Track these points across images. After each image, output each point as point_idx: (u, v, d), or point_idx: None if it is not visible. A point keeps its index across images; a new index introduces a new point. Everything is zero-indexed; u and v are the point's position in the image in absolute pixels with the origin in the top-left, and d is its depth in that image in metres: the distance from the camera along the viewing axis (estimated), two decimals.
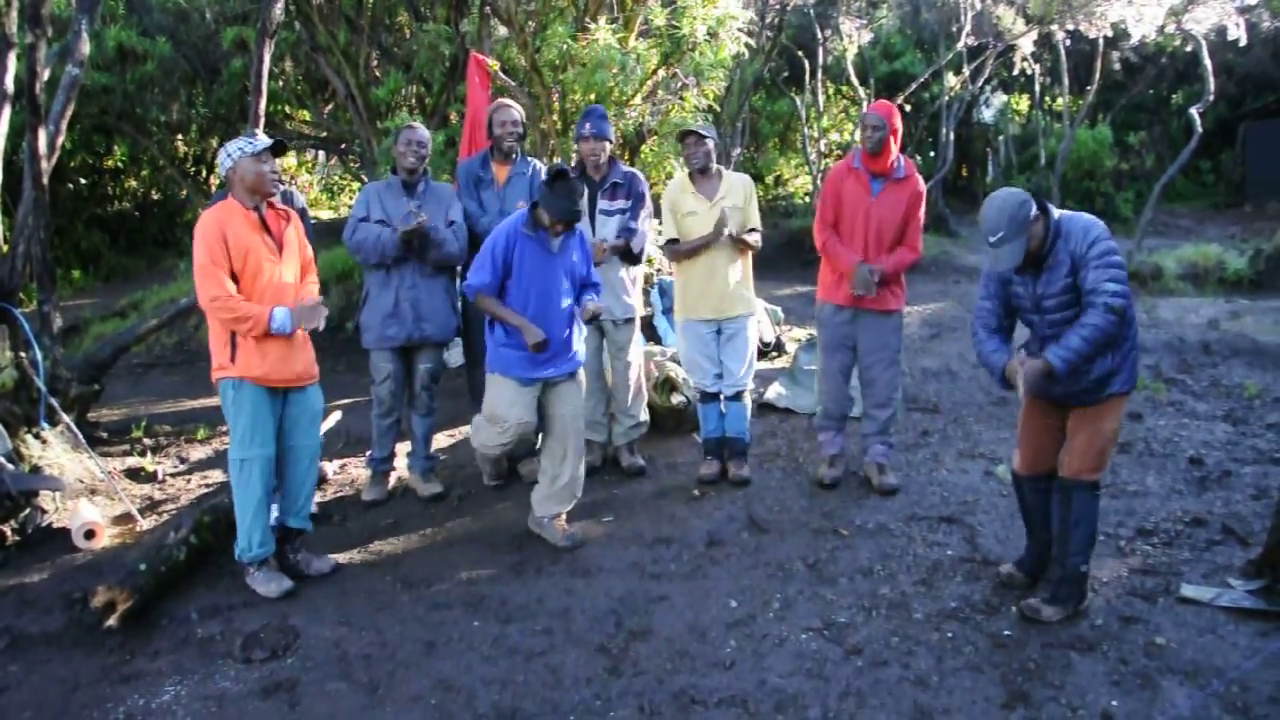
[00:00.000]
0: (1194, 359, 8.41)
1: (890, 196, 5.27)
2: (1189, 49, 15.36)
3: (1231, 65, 19.65)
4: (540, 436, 5.09)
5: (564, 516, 4.99)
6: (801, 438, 6.49)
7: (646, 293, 8.38)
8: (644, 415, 5.95)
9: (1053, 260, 3.76)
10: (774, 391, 7.28)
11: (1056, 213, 3.78)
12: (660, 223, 8.07)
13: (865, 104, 16.52)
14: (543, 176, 5.75)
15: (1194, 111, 12.98)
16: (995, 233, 3.68)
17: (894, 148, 5.26)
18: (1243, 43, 13.53)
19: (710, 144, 5.51)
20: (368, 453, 5.82)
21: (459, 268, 5.68)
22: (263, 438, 4.35)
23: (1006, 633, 3.89)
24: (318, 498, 5.68)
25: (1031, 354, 3.88)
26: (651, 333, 8.21)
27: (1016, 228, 3.65)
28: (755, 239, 5.55)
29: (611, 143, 5.64)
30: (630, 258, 5.69)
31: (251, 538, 4.40)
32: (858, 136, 5.45)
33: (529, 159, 5.86)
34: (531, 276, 4.72)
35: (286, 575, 4.53)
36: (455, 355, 8.79)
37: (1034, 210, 3.70)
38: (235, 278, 4.23)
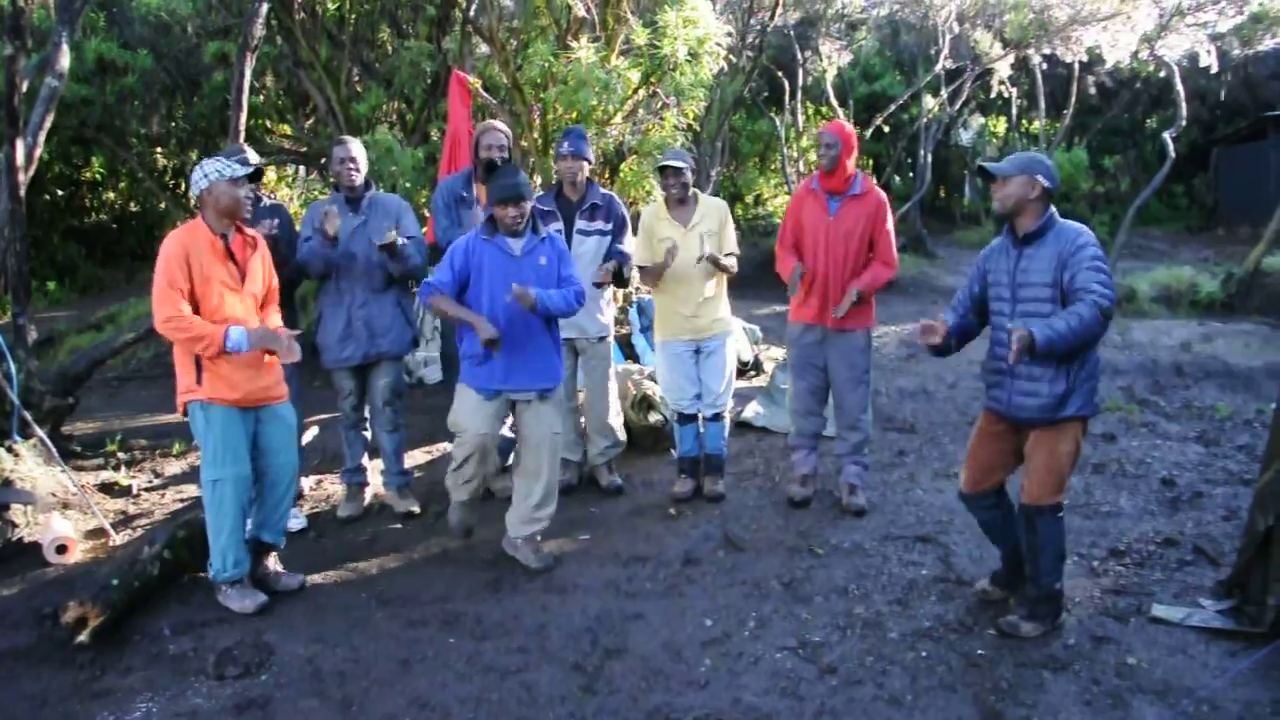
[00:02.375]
0: (1167, 380, 8.49)
1: (848, 213, 5.33)
2: (1162, 74, 15.57)
3: (1204, 91, 19.93)
4: (513, 455, 5.06)
5: (538, 536, 4.99)
6: (778, 456, 6.52)
7: (625, 311, 8.41)
8: (621, 434, 5.96)
9: (1036, 249, 3.88)
10: (751, 410, 7.31)
11: (1058, 215, 3.93)
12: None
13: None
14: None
15: (1167, 136, 13.16)
16: (1008, 158, 4.01)
17: (849, 165, 5.34)
18: (1214, 69, 13.76)
19: (688, 174, 5.54)
20: (343, 468, 5.80)
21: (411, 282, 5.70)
22: (234, 456, 4.31)
23: (980, 652, 3.91)
24: (301, 517, 5.67)
25: (1000, 344, 3.94)
26: (630, 351, 8.23)
27: (1021, 164, 3.91)
28: (730, 263, 5.56)
29: (590, 163, 5.66)
30: (619, 280, 5.76)
31: (226, 558, 4.37)
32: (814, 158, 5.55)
33: None
34: (493, 282, 4.63)
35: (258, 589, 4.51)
36: (433, 372, 8.80)
37: (1042, 175, 3.87)
38: (196, 304, 4.20)
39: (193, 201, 4.43)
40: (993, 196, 3.98)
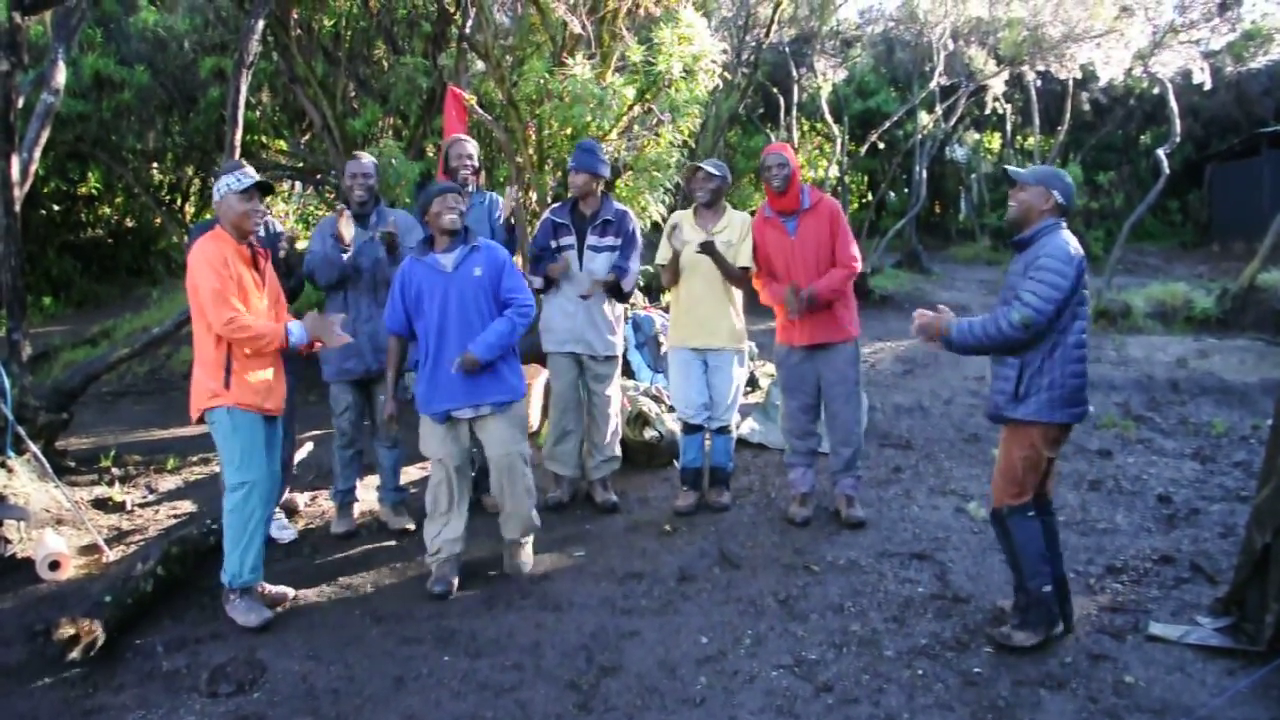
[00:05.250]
0: (1162, 397, 8.50)
1: (808, 227, 5.37)
2: (1156, 91, 15.64)
3: (1197, 108, 20.00)
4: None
5: (528, 548, 4.98)
6: (774, 473, 6.50)
7: None
8: (617, 450, 5.95)
9: (1022, 255, 3.96)
10: (747, 427, 7.29)
11: (1065, 232, 3.94)
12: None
13: (839, 141, 16.76)
14: (500, 208, 5.78)
15: (1161, 152, 13.20)
16: (1032, 168, 4.01)
17: (797, 181, 5.40)
18: (1207, 86, 13.80)
19: (718, 181, 5.56)
20: (334, 486, 5.78)
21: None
22: (260, 460, 4.38)
23: (977, 670, 3.90)
24: (293, 529, 5.65)
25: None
26: (625, 366, 8.22)
27: (1040, 175, 4.00)
28: (733, 269, 5.53)
29: (603, 177, 5.68)
30: (619, 295, 5.74)
31: (245, 562, 4.38)
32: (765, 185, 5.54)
33: (485, 192, 5.87)
34: (430, 305, 4.63)
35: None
36: None
37: (1058, 190, 3.93)
38: None
39: (193, 210, 4.51)
40: (1009, 200, 4.07)
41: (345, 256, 5.25)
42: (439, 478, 4.77)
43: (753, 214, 5.68)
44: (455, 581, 4.80)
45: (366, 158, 5.55)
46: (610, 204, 5.71)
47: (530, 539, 5.02)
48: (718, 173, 5.56)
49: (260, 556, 4.45)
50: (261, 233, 5.48)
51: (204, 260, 4.24)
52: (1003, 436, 4.05)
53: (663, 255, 5.66)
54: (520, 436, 4.83)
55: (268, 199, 5.55)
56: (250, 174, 4.39)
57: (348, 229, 5.24)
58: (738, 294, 5.66)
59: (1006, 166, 4.22)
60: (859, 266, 5.47)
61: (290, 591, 4.73)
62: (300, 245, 5.60)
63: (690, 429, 5.73)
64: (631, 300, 8.65)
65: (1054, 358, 3.87)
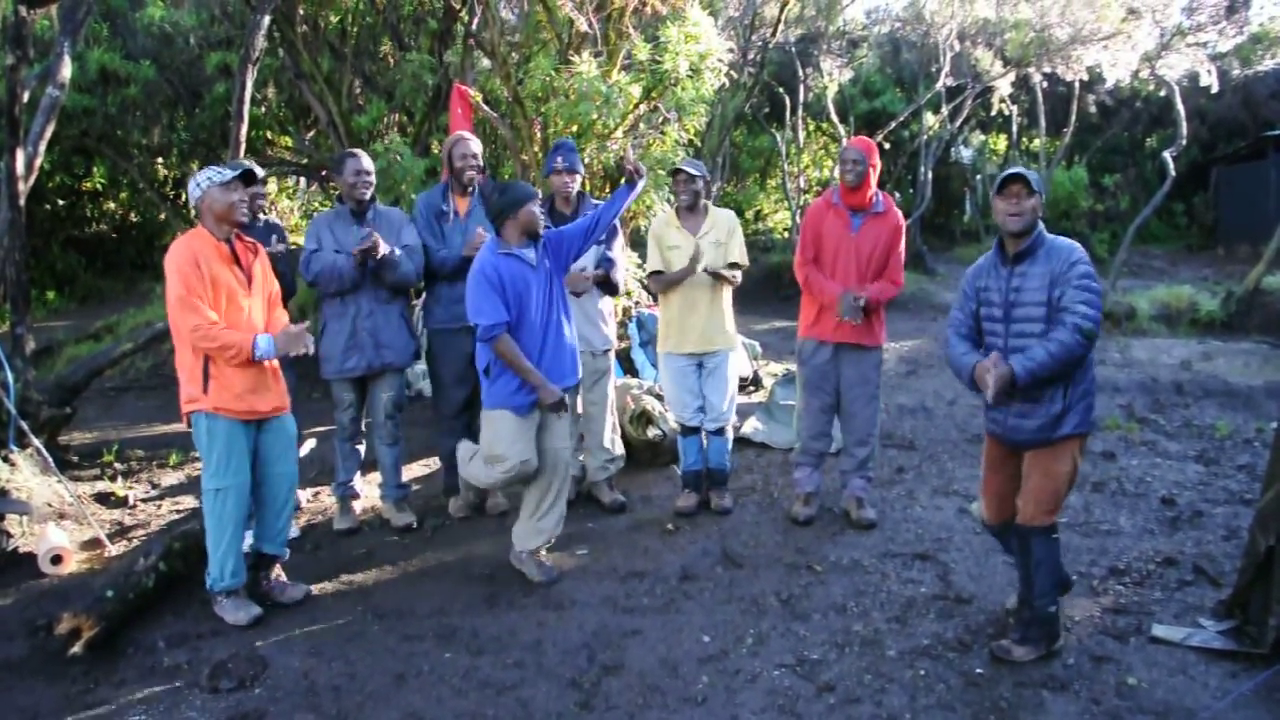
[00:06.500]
0: (1167, 399, 8.48)
1: (870, 231, 5.32)
2: (1163, 94, 15.62)
3: (1204, 110, 20.01)
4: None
5: (543, 550, 4.96)
6: (777, 472, 6.50)
7: (624, 325, 8.39)
8: (620, 450, 5.94)
9: (1028, 267, 3.86)
10: (750, 426, 7.28)
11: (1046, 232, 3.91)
12: (637, 255, 8.15)
13: (845, 141, 16.74)
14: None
15: (1167, 155, 13.19)
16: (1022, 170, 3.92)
17: (873, 182, 5.32)
18: (1214, 89, 13.78)
19: (700, 182, 5.54)
20: (335, 481, 5.77)
21: (412, 291, 5.69)
22: (236, 467, 4.31)
23: (979, 671, 3.89)
24: (295, 525, 5.64)
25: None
26: (629, 365, 8.21)
27: (1038, 182, 3.86)
28: (735, 275, 5.56)
29: (582, 174, 5.68)
30: (610, 288, 5.72)
31: (224, 568, 4.35)
32: (837, 173, 5.50)
33: None
34: (521, 299, 4.57)
35: (256, 602, 4.48)
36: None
37: (1042, 196, 3.88)
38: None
39: (192, 213, 4.41)
40: (1010, 211, 3.86)
41: (360, 272, 5.19)
42: (511, 477, 4.69)
43: (760, 213, 5.66)
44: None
45: (364, 155, 5.49)
46: (588, 200, 5.70)
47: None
48: (698, 173, 5.52)
49: (240, 560, 4.42)
50: (261, 222, 5.49)
51: (173, 265, 4.16)
52: (1038, 455, 3.90)
53: (654, 263, 5.63)
54: (569, 435, 4.90)
55: (263, 189, 5.50)
56: (231, 167, 4.32)
57: (384, 245, 5.13)
58: (728, 294, 5.65)
59: (1022, 170, 3.92)
60: (902, 286, 5.52)
61: (305, 588, 4.72)
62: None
63: (688, 431, 5.72)
64: (636, 299, 8.65)
65: (1082, 367, 3.85)
